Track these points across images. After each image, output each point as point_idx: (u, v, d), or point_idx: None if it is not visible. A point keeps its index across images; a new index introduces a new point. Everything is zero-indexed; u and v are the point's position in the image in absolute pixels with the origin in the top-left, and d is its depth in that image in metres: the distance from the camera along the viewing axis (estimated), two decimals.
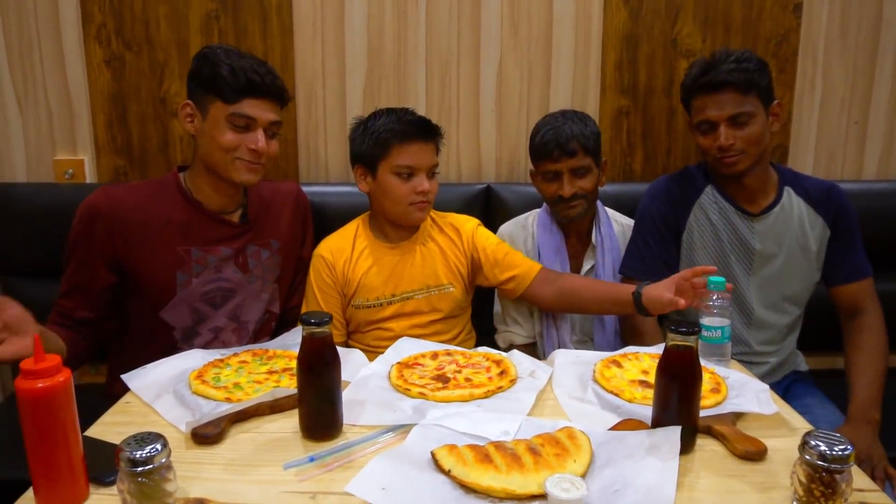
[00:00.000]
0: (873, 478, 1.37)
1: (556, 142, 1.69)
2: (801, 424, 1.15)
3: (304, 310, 1.72)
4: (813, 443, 0.89)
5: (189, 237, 1.55)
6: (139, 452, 0.86)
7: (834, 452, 0.87)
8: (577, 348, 1.81)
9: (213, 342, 1.60)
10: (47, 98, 2.05)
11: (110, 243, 1.50)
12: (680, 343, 1.02)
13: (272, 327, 1.72)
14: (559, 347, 1.80)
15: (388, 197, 1.66)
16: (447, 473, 0.94)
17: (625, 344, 1.79)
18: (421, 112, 1.89)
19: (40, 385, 0.88)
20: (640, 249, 1.73)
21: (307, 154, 2.13)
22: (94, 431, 1.12)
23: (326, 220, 1.92)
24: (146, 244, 1.52)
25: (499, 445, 0.99)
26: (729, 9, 2.07)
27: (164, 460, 0.88)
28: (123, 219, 1.50)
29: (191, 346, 1.57)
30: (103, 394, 1.59)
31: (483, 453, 0.96)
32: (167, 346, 1.55)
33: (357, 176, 1.70)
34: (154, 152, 2.09)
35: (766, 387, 1.24)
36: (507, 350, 1.84)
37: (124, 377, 1.28)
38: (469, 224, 1.80)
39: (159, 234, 1.53)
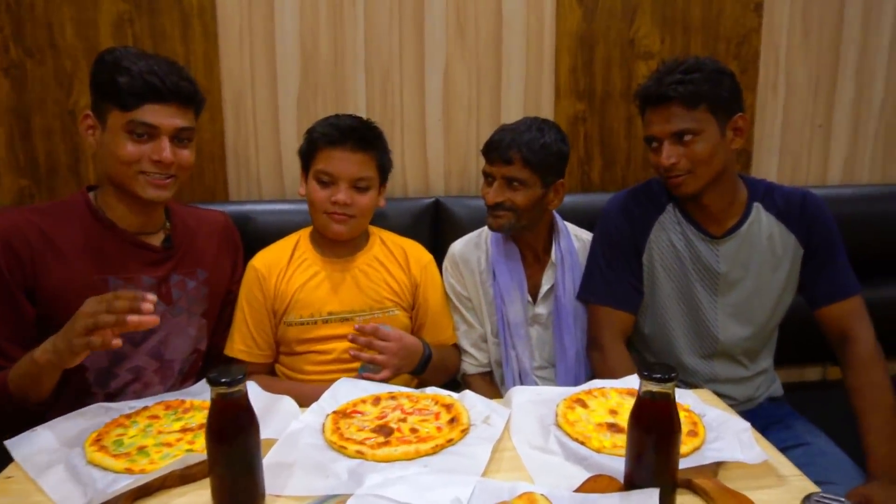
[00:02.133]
0: None
1: (497, 144, 1.57)
2: (790, 471, 1.03)
3: (232, 327, 1.57)
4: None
5: (105, 264, 1.36)
6: None
7: None
8: (538, 375, 1.68)
9: (132, 384, 1.40)
10: None
11: (20, 272, 1.30)
12: (655, 391, 0.89)
13: (199, 367, 1.53)
14: (519, 375, 1.67)
15: (310, 204, 1.57)
16: None
17: (589, 370, 1.67)
18: None
19: None
20: (604, 272, 1.60)
21: (237, 169, 1.95)
22: None
23: (259, 240, 1.75)
24: (55, 272, 1.32)
25: None
26: (688, 8, 1.97)
27: None
28: (28, 245, 1.31)
29: (106, 390, 1.38)
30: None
31: None
32: (79, 390, 1.36)
33: (301, 178, 1.61)
34: (63, 171, 1.88)
35: (748, 425, 1.12)
36: (459, 380, 1.74)
37: (8, 444, 1.08)
38: (422, 255, 1.70)
39: (70, 261, 1.33)
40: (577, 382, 1.65)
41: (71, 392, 1.33)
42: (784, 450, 1.45)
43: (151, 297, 1.08)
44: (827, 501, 0.79)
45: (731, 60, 2.00)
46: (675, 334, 1.57)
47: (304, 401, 1.28)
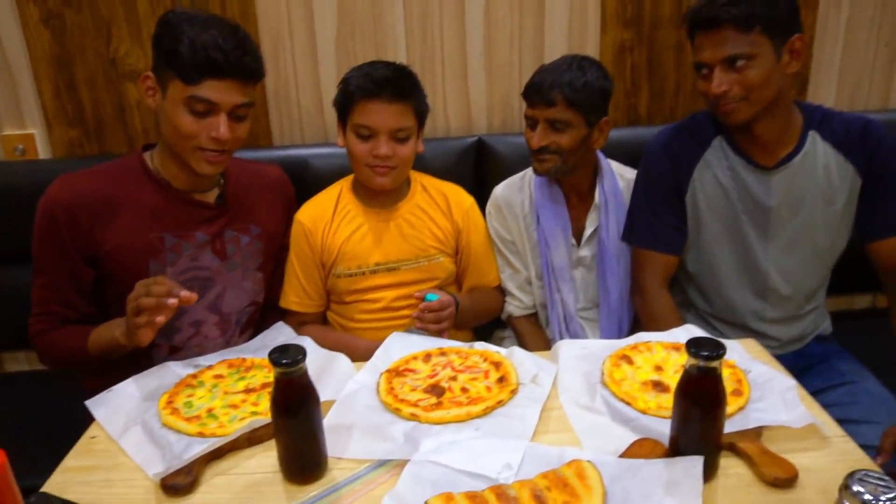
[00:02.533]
0: None
1: (538, 86, 1.52)
2: (833, 432, 1.05)
3: (285, 280, 1.63)
4: (856, 488, 0.79)
5: (161, 223, 1.41)
6: None
7: (880, 502, 0.77)
8: (582, 316, 1.71)
9: (194, 337, 1.48)
10: None
11: (79, 234, 1.36)
12: (702, 366, 0.90)
13: (256, 318, 1.60)
14: (564, 317, 1.70)
15: (351, 157, 1.56)
16: None
17: (632, 311, 1.68)
18: (401, 60, 1.72)
19: None
20: (645, 214, 1.58)
21: (279, 115, 1.95)
22: (55, 482, 1.02)
23: (304, 184, 1.78)
24: (114, 232, 1.38)
25: (500, 493, 0.89)
26: None
27: None
28: (87, 207, 1.36)
29: (170, 342, 1.46)
30: (79, 386, 1.49)
31: None
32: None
33: (338, 130, 1.59)
34: (110, 120, 1.91)
35: (794, 383, 1.13)
36: (505, 321, 1.78)
37: (88, 404, 1.17)
38: (464, 199, 1.70)
39: (128, 221, 1.38)
40: (620, 324, 1.69)
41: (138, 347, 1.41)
42: (828, 389, 1.49)
43: (185, 294, 1.14)
44: (869, 480, 0.81)
45: None
46: (722, 273, 1.55)
47: (355, 356, 1.34)
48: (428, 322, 1.49)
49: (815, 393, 1.47)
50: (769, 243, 1.51)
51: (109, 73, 1.87)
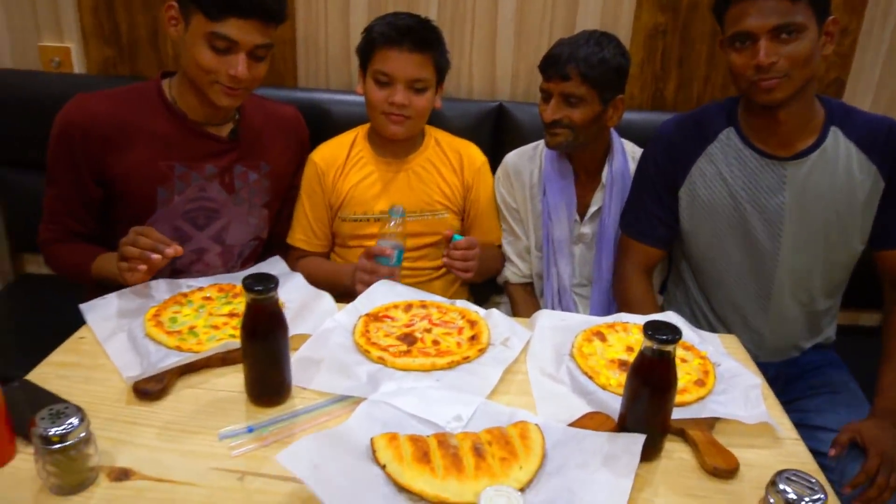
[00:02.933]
0: (887, 483, 1.21)
1: (554, 59, 1.52)
2: (788, 433, 1.06)
3: (294, 217, 1.67)
4: (781, 486, 0.80)
5: (172, 152, 1.45)
6: (53, 429, 0.83)
7: (804, 502, 0.78)
8: (576, 292, 1.72)
9: (196, 263, 1.54)
10: None
11: (91, 156, 1.41)
12: (656, 349, 0.92)
13: (259, 252, 1.65)
14: (558, 290, 1.71)
15: (367, 103, 1.59)
16: (382, 468, 0.89)
17: None
18: (431, 17, 1.70)
19: None
20: (633, 204, 1.58)
21: (306, 58, 1.97)
22: (39, 373, 1.09)
23: (326, 129, 1.80)
24: (126, 157, 1.42)
25: (442, 441, 0.92)
26: None
27: (82, 435, 0.85)
28: (101, 130, 1.40)
29: (172, 266, 1.51)
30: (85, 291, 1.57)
31: (423, 450, 0.90)
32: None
33: (359, 77, 1.62)
34: (143, 44, 1.95)
35: (758, 382, 1.14)
36: (502, 285, 1.80)
37: (82, 307, 1.24)
38: (476, 157, 1.72)
39: (140, 147, 1.43)
40: (610, 304, 1.69)
41: None
42: (811, 395, 1.48)
43: (170, 251, 1.19)
44: (797, 480, 0.82)
45: None
46: (724, 269, 1.52)
47: (346, 275, 1.43)
48: (455, 259, 1.49)
49: (799, 398, 1.48)
50: (779, 241, 1.44)
51: None
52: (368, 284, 1.38)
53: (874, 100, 1.94)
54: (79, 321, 1.24)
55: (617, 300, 1.63)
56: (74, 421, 0.84)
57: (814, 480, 0.81)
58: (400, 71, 1.51)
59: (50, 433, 0.82)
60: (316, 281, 1.39)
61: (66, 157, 1.41)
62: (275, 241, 1.68)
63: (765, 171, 1.43)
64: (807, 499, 0.79)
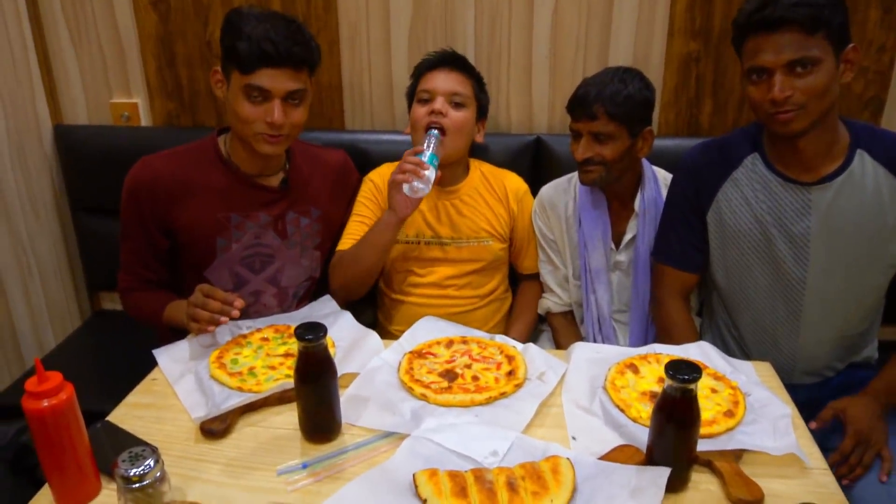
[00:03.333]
0: (860, 461, 1.30)
1: (581, 100, 1.57)
2: (817, 463, 1.08)
3: (346, 228, 1.73)
4: None
5: (228, 203, 1.58)
6: (133, 470, 0.93)
7: None
8: (616, 319, 1.77)
9: (253, 305, 1.66)
10: (100, 41, 2.07)
11: (157, 211, 1.55)
12: (678, 387, 0.97)
13: (313, 291, 1.77)
14: (598, 318, 1.76)
15: (412, 125, 1.71)
16: (423, 502, 0.97)
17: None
18: (469, 57, 1.80)
19: (45, 404, 0.94)
20: (665, 231, 1.62)
21: (352, 100, 2.08)
22: (118, 414, 1.21)
23: (370, 168, 1.90)
24: (188, 210, 1.56)
25: (478, 476, 1.00)
26: None
27: (157, 475, 0.95)
28: (164, 187, 1.54)
29: None
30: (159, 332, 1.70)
31: (461, 485, 0.98)
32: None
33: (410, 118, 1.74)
34: (203, 97, 2.10)
35: (788, 412, 1.17)
36: (544, 315, 1.86)
37: (155, 352, 1.37)
38: (520, 186, 1.83)
39: (200, 201, 1.56)
40: (647, 329, 1.73)
41: None
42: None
43: (239, 303, 1.32)
44: None
45: None
46: (751, 294, 1.54)
47: (388, 224, 1.57)
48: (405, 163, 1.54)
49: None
50: (806, 266, 1.45)
51: (205, 53, 2.05)
52: (406, 182, 1.50)
53: None
54: (149, 353, 1.37)
55: (656, 325, 1.67)
56: (151, 462, 0.95)
57: None
58: (439, 85, 1.66)
59: (130, 474, 0.93)
60: (361, 250, 1.58)
61: (135, 213, 1.55)
62: (327, 280, 1.78)
63: (789, 196, 1.44)
64: None
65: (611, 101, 1.53)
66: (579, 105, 1.57)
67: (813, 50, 1.28)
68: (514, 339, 1.43)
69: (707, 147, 1.57)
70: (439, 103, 1.64)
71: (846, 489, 1.08)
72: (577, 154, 1.60)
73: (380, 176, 1.75)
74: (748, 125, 1.55)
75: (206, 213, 1.56)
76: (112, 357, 2.06)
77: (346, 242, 1.72)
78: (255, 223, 1.59)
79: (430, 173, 1.52)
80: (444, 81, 1.66)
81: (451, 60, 1.70)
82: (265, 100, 1.46)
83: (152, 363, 1.36)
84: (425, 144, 1.57)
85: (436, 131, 1.61)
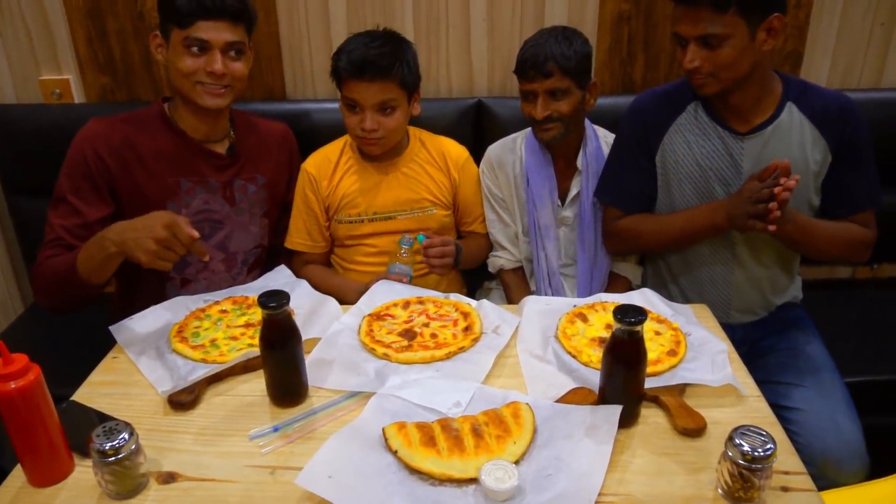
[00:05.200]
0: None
1: (532, 61, 1.61)
2: (751, 392, 1.18)
3: (291, 223, 1.78)
4: (738, 440, 0.93)
5: (178, 168, 1.58)
6: (108, 444, 0.95)
7: (756, 453, 0.91)
8: (563, 273, 1.84)
9: (202, 272, 1.66)
10: (23, 16, 1.98)
11: (106, 172, 1.53)
12: (626, 330, 1.04)
13: (263, 259, 1.77)
14: (548, 272, 1.82)
15: (346, 125, 1.68)
16: (394, 453, 1.01)
17: (605, 267, 1.81)
18: (408, 23, 1.81)
19: (13, 385, 0.94)
20: (615, 173, 1.68)
21: (292, 70, 2.06)
22: (83, 393, 1.21)
23: (315, 137, 1.91)
24: (138, 174, 1.55)
25: (445, 425, 1.05)
26: None
27: (133, 448, 0.97)
28: (116, 150, 1.53)
29: (181, 275, 1.64)
30: (109, 309, 1.68)
31: (429, 434, 1.02)
32: (160, 275, 1.61)
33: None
34: (138, 69, 2.04)
35: (724, 347, 1.26)
36: (495, 273, 1.92)
37: (112, 329, 1.35)
38: (460, 153, 1.83)
39: (150, 165, 1.56)
40: (592, 279, 1.80)
41: (154, 278, 1.59)
42: (773, 354, 1.60)
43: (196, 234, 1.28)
44: (751, 433, 0.95)
45: None
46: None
47: (348, 296, 1.52)
48: (433, 258, 1.62)
49: (765, 355, 1.61)
50: None
51: (137, 25, 1.99)
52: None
53: (831, 69, 2.04)
54: (96, 337, 1.35)
55: (612, 252, 1.78)
56: (125, 435, 0.96)
57: (764, 432, 0.93)
58: (366, 98, 1.60)
59: (106, 447, 0.94)
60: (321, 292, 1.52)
61: (81, 173, 1.51)
62: (277, 249, 1.80)
63: (725, 142, 1.54)
64: (759, 450, 0.91)
65: (562, 58, 1.59)
66: (532, 66, 1.61)
67: (719, 27, 1.37)
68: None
69: (655, 94, 1.64)
70: (369, 120, 1.60)
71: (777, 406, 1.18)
72: (537, 113, 1.64)
73: (314, 167, 1.75)
74: None
75: (156, 178, 1.56)
76: (59, 342, 2.00)
77: (296, 241, 1.77)
78: (204, 188, 1.60)
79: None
80: (368, 94, 1.59)
81: (372, 69, 1.57)
82: (204, 52, 1.48)
83: (100, 345, 1.35)
84: (402, 251, 1.61)
85: (409, 240, 1.62)
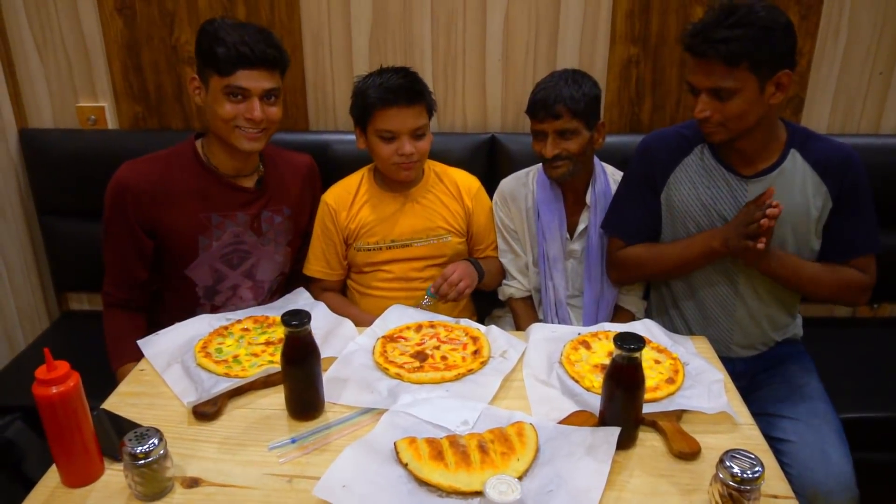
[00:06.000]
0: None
1: (543, 103, 1.69)
2: (745, 420, 1.24)
3: (310, 251, 1.85)
4: (728, 463, 0.99)
5: (208, 204, 1.66)
6: (139, 448, 1.02)
7: (745, 475, 0.97)
8: (570, 303, 1.90)
9: (231, 298, 1.75)
10: (65, 46, 2.10)
11: (142, 212, 1.62)
12: (625, 356, 1.10)
13: (283, 285, 1.86)
14: (555, 303, 1.89)
15: (375, 156, 1.76)
16: (404, 466, 1.08)
17: (611, 300, 1.87)
18: (427, 62, 1.90)
19: (54, 391, 1.02)
20: (621, 208, 1.76)
21: (315, 102, 2.17)
22: (112, 402, 1.29)
23: (335, 166, 2.00)
24: (171, 212, 1.64)
25: (453, 441, 1.11)
26: None
27: (161, 452, 1.04)
28: (149, 190, 1.62)
29: (211, 302, 1.73)
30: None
31: (437, 449, 1.09)
32: (191, 301, 1.71)
33: (356, 133, 1.78)
34: (170, 100, 2.16)
35: (720, 377, 1.32)
36: (504, 301, 1.98)
37: (140, 343, 1.44)
38: (472, 183, 1.91)
39: (182, 203, 1.64)
40: (598, 310, 1.86)
41: (187, 304, 1.70)
42: (771, 387, 1.65)
43: None
44: (741, 457, 1.00)
45: (792, 5, 1.99)
46: (698, 275, 1.68)
47: (365, 325, 1.58)
48: (447, 292, 1.68)
49: (762, 388, 1.66)
50: None
51: (171, 58, 2.11)
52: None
53: (831, 115, 2.12)
54: None
55: (615, 282, 1.84)
56: (155, 441, 1.03)
57: (753, 456, 0.99)
58: (402, 126, 1.68)
59: (137, 451, 1.01)
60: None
61: (120, 215, 1.62)
62: (297, 275, 1.88)
63: (730, 185, 1.60)
64: (748, 472, 0.97)
65: (571, 100, 1.67)
66: (542, 107, 1.69)
67: (730, 81, 1.42)
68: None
69: (664, 134, 1.72)
70: (407, 145, 1.69)
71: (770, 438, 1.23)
72: (547, 152, 1.72)
73: (334, 199, 1.83)
74: None
75: (188, 214, 1.64)
76: (82, 355, 2.06)
77: (314, 269, 1.85)
78: (233, 222, 1.68)
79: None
80: (405, 121, 1.68)
81: (406, 95, 1.67)
82: (244, 99, 1.56)
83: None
84: (424, 304, 1.70)
85: (431, 295, 1.70)
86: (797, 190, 1.57)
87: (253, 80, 1.55)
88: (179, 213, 1.64)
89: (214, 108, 1.58)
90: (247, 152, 1.63)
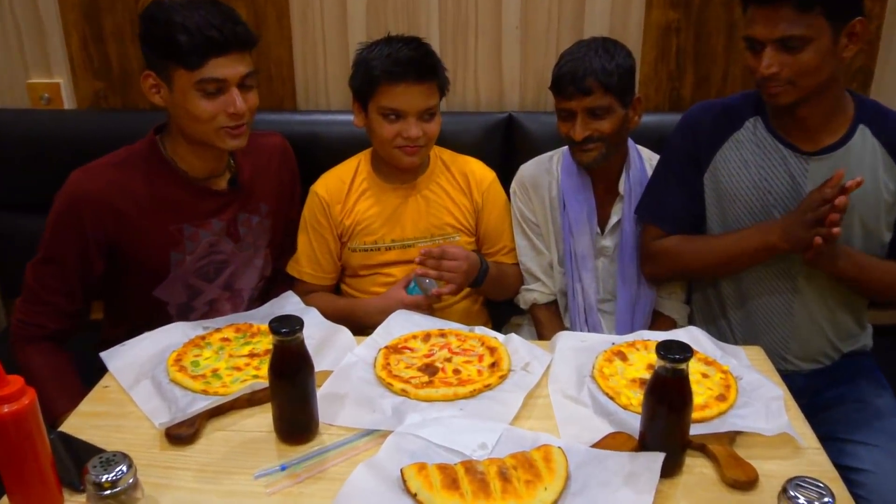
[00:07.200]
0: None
1: (570, 77, 1.68)
2: (810, 443, 1.23)
3: (299, 248, 1.85)
4: (792, 492, 0.97)
5: (179, 214, 1.63)
6: (105, 476, 1.01)
7: None
8: (601, 308, 1.89)
9: (208, 314, 1.73)
10: (13, 13, 2.11)
11: (100, 230, 1.57)
12: (669, 368, 1.09)
13: (264, 290, 1.85)
14: (584, 307, 1.88)
15: (375, 137, 1.75)
16: (413, 496, 1.07)
17: (648, 304, 1.87)
18: (433, 29, 1.89)
19: (6, 409, 1.01)
20: (658, 189, 1.75)
21: (304, 78, 2.17)
22: (71, 424, 1.28)
23: (326, 152, 2.00)
24: (136, 225, 1.60)
25: (469, 468, 1.10)
26: None
27: (130, 481, 1.03)
28: (110, 202, 1.57)
29: (187, 320, 1.67)
30: (97, 340, 1.71)
31: (451, 477, 1.08)
32: (162, 323, 1.63)
33: (353, 109, 1.77)
34: (135, 74, 2.16)
35: (780, 393, 1.31)
36: (526, 309, 1.97)
37: (103, 356, 1.43)
38: (485, 175, 1.90)
39: (148, 214, 1.61)
40: (633, 316, 1.86)
41: (155, 323, 1.61)
42: (838, 407, 1.64)
43: None
44: (807, 485, 0.99)
45: None
46: (746, 276, 1.67)
47: (369, 313, 1.60)
48: (430, 268, 1.67)
49: (825, 408, 1.64)
50: None
51: (136, 26, 2.08)
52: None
53: None
54: (79, 364, 1.42)
55: (650, 277, 1.82)
56: (123, 468, 1.02)
57: (822, 485, 0.98)
58: (410, 104, 1.67)
59: (102, 480, 1.01)
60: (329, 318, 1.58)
61: (71, 232, 1.56)
62: (279, 276, 1.87)
63: (787, 163, 1.59)
64: (816, 503, 0.96)
65: (603, 73, 1.65)
66: (570, 82, 1.67)
67: (803, 28, 1.41)
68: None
69: (710, 106, 1.70)
70: (414, 128, 1.68)
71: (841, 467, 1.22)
72: (576, 134, 1.70)
73: (326, 190, 1.82)
74: (752, 89, 1.66)
75: (157, 228, 1.61)
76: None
77: (304, 270, 1.84)
78: (208, 231, 1.66)
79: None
80: (414, 100, 1.67)
81: (416, 70, 1.66)
82: (221, 91, 1.52)
83: (87, 373, 1.42)
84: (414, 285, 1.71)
85: (423, 281, 1.70)
86: (867, 172, 1.54)
87: (228, 67, 1.50)
88: (146, 226, 1.60)
89: (187, 108, 1.52)
90: (230, 149, 1.61)
